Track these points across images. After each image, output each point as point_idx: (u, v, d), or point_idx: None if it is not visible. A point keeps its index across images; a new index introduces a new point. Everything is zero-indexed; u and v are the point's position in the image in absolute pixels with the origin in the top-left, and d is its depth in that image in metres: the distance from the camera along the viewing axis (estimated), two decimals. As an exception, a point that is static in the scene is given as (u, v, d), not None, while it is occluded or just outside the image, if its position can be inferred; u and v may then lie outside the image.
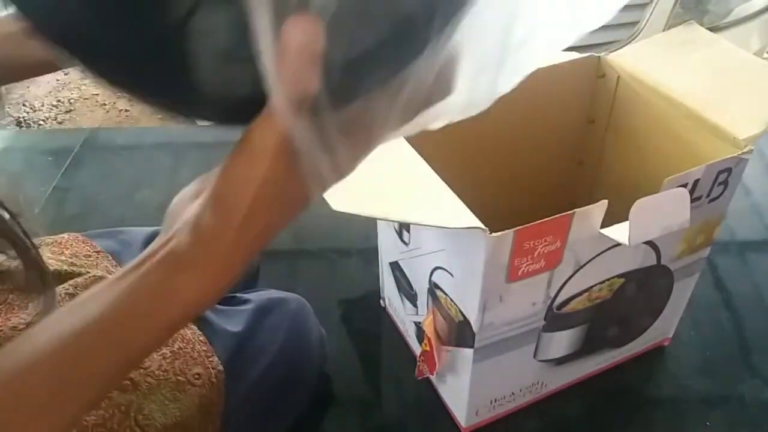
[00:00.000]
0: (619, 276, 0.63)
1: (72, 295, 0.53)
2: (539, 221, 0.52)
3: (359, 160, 0.32)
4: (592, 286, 0.62)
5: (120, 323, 0.31)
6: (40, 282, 0.44)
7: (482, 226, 0.49)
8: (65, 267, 0.57)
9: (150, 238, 0.70)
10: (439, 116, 0.34)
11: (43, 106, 2.49)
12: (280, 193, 0.30)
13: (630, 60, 0.70)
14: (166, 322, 0.32)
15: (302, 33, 0.25)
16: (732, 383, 0.77)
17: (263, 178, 0.29)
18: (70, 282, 0.55)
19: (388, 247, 0.75)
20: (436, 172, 0.54)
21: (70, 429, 0.32)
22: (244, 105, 0.29)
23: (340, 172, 0.31)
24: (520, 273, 0.55)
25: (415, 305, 0.72)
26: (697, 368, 0.79)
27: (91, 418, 0.48)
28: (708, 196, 0.60)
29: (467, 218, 0.50)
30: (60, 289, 0.53)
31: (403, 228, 0.67)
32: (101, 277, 0.56)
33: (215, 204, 0.30)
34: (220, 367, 0.57)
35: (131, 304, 0.31)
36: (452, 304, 0.61)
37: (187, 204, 0.32)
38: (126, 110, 2.41)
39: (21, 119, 2.40)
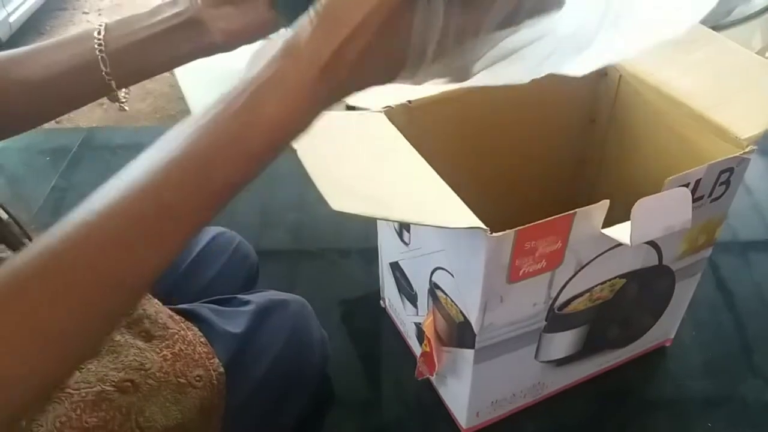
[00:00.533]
0: (621, 276, 0.63)
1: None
2: (540, 221, 0.51)
3: (461, 41, 0.31)
4: (593, 287, 0.62)
5: (203, 153, 0.30)
6: None
7: (483, 226, 0.49)
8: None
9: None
10: (540, 39, 0.34)
11: (42, 105, 2.48)
12: (385, 27, 0.29)
13: (632, 59, 0.69)
14: (249, 148, 0.30)
15: None
16: (734, 384, 0.77)
17: (379, 2, 0.29)
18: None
19: (388, 248, 0.74)
20: (437, 172, 0.53)
21: (156, 273, 0.31)
22: None
23: (443, 39, 0.31)
24: (521, 273, 0.55)
25: (416, 306, 0.72)
26: (698, 369, 0.79)
27: (92, 420, 0.47)
28: (710, 195, 0.59)
29: (468, 218, 0.49)
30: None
31: (403, 228, 0.67)
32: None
33: (323, 16, 0.29)
34: (221, 369, 0.56)
35: (215, 132, 0.30)
36: (453, 304, 0.61)
37: (275, 44, 0.31)
38: (125, 109, 2.41)
39: (20, 119, 2.40)
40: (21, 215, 0.50)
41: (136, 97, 2.44)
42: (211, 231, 0.76)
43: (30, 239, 0.47)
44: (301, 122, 0.31)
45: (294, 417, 0.67)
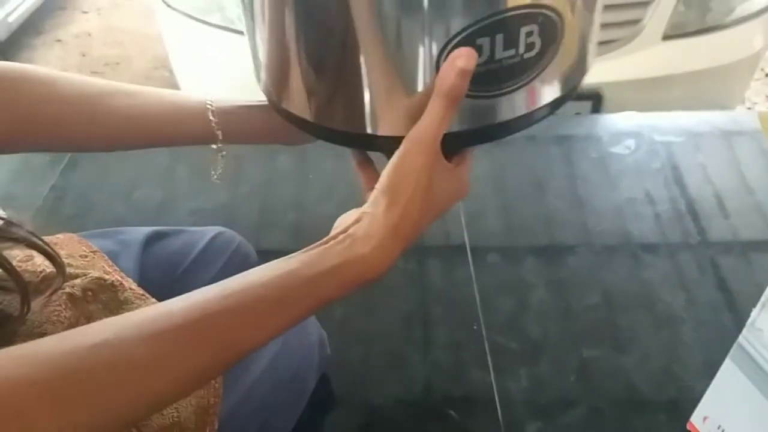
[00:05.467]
0: None
1: (71, 295, 0.52)
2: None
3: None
4: None
5: (288, 293, 0.40)
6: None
7: None
8: (61, 267, 0.56)
9: (149, 238, 0.70)
10: None
11: (41, 104, 2.48)
12: (430, 185, 0.41)
13: None
14: (324, 294, 0.41)
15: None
16: (735, 384, 0.77)
17: (424, 165, 0.41)
18: (68, 283, 0.54)
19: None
20: None
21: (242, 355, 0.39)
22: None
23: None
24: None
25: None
26: (699, 369, 0.78)
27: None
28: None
29: None
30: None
31: None
32: (100, 278, 0.55)
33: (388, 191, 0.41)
34: (218, 368, 0.56)
35: (314, 273, 0.41)
36: None
37: (350, 217, 0.43)
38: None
39: (19, 118, 2.39)
40: (20, 215, 0.50)
41: (136, 97, 2.43)
42: (211, 231, 0.76)
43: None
44: (386, 266, 0.43)
45: (293, 417, 0.67)
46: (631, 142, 1.13)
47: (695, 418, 0.67)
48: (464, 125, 0.43)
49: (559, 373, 0.78)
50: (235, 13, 1.46)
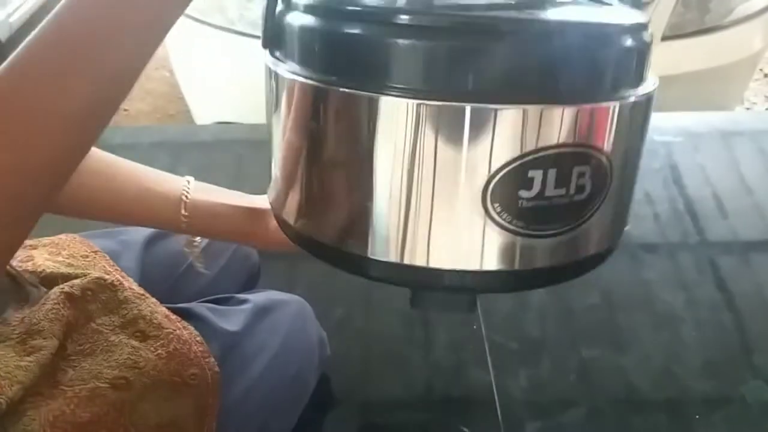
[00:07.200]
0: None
1: (69, 295, 0.53)
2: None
3: None
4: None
5: None
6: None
7: None
8: (62, 268, 0.56)
9: (150, 239, 0.70)
10: None
11: (41, 105, 2.48)
12: None
13: None
14: None
15: None
16: (734, 384, 0.77)
17: None
18: (68, 283, 0.54)
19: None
20: None
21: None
22: None
23: None
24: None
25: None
26: (699, 369, 0.79)
27: (85, 415, 0.47)
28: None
29: None
30: (56, 289, 0.53)
31: None
32: (100, 278, 0.55)
33: None
34: (216, 368, 0.56)
35: None
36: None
37: None
38: (125, 109, 2.41)
39: (19, 119, 2.39)
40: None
41: (136, 97, 2.44)
42: (211, 231, 0.76)
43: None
44: None
45: (293, 418, 0.67)
46: (630, 143, 1.13)
47: None
48: (513, 267, 0.40)
49: (558, 373, 0.78)
50: (236, 14, 1.46)
